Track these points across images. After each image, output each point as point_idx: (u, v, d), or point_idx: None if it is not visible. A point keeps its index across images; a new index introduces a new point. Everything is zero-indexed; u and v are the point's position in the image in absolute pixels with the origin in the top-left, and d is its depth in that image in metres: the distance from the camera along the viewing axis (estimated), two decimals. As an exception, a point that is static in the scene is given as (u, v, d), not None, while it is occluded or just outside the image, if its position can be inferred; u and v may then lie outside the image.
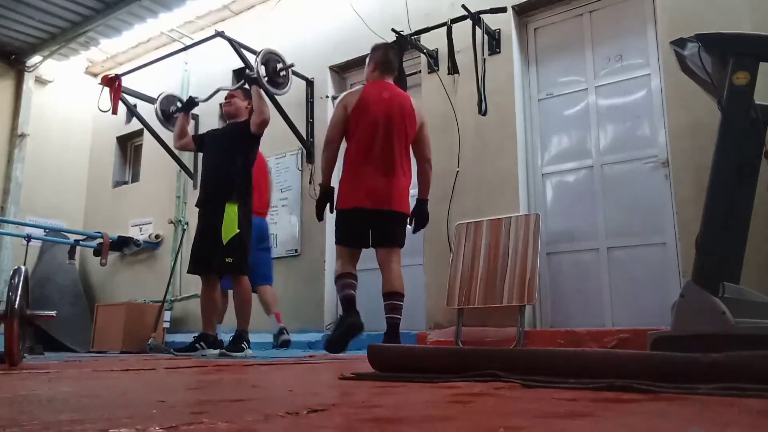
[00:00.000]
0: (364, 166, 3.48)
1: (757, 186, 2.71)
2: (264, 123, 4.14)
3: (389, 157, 3.49)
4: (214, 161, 4.27)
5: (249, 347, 4.05)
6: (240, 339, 4.02)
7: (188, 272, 4.32)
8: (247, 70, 4.46)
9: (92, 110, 7.03)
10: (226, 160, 4.16)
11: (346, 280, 3.57)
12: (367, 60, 3.85)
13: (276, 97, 5.30)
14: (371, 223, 3.53)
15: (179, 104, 4.92)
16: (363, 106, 3.52)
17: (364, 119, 3.50)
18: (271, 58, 4.50)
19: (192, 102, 4.67)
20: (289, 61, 4.66)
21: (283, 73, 4.55)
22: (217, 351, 4.06)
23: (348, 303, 3.54)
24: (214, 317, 4.23)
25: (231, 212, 4.02)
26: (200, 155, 5.23)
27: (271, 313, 4.65)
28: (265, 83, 4.35)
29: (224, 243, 3.98)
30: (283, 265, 5.61)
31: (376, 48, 3.84)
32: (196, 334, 4.33)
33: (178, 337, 5.85)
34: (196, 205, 4.31)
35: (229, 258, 4.00)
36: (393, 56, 3.77)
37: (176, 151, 6.35)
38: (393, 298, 3.55)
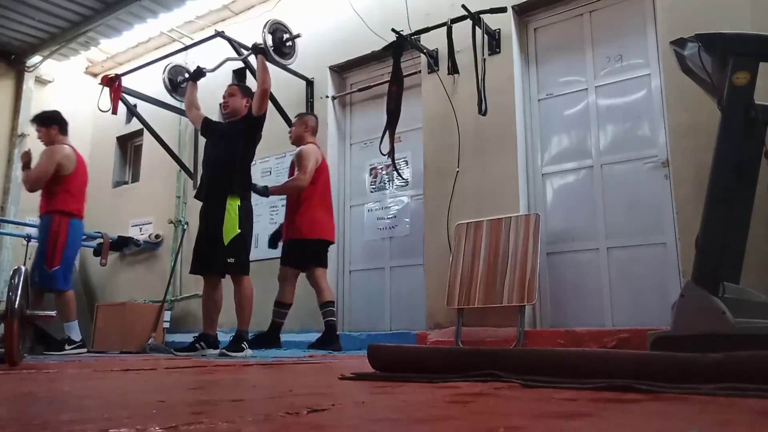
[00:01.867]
0: (324, 209, 4.63)
1: (757, 186, 2.71)
2: (265, 93, 4.21)
3: (330, 202, 4.76)
4: (214, 156, 4.28)
5: (249, 347, 4.05)
6: (240, 339, 4.01)
7: (190, 272, 4.33)
8: (256, 41, 4.48)
9: (92, 110, 7.02)
10: (226, 157, 4.18)
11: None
12: (300, 121, 4.83)
13: (277, 97, 5.30)
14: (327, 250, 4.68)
15: (187, 75, 4.98)
16: (322, 162, 4.67)
17: (322, 172, 4.64)
18: (278, 28, 4.56)
19: (199, 72, 4.71)
20: (294, 32, 4.72)
21: (289, 43, 4.61)
22: (217, 351, 4.06)
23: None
24: (215, 317, 4.24)
25: (232, 210, 4.04)
26: (201, 155, 5.23)
27: (72, 320, 4.64)
28: (272, 53, 4.42)
29: (225, 243, 3.99)
30: (283, 265, 5.60)
31: (303, 115, 4.94)
32: (196, 334, 4.33)
33: (178, 337, 5.85)
34: (195, 197, 4.33)
35: (231, 258, 4.01)
36: (317, 122, 4.95)
37: (176, 152, 6.36)
38: (331, 305, 4.52)
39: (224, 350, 3.97)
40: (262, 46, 4.34)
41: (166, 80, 5.11)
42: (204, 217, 4.21)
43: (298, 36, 4.66)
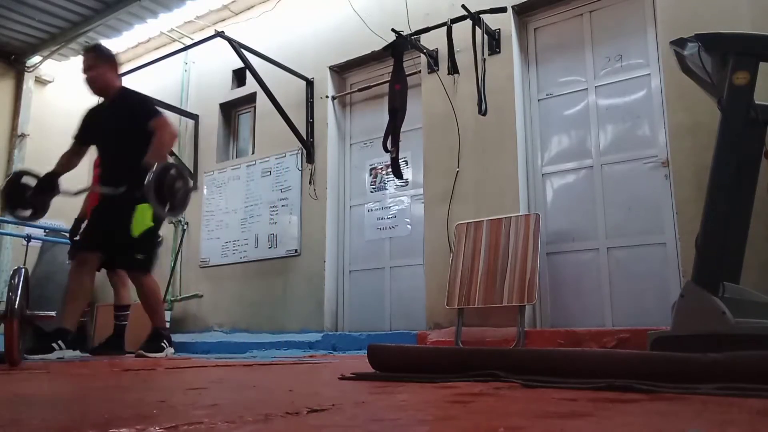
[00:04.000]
0: None
1: (757, 186, 2.71)
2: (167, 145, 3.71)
3: None
4: (112, 152, 3.72)
5: (170, 346, 3.82)
6: (158, 337, 3.73)
7: (82, 248, 3.71)
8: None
9: (92, 110, 7.02)
10: (127, 151, 3.52)
11: None
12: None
13: (276, 97, 5.30)
14: None
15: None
16: None
17: None
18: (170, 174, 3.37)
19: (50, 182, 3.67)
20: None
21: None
22: (76, 352, 3.54)
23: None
24: (81, 308, 3.67)
25: (143, 207, 3.43)
26: (201, 155, 5.10)
27: None
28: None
29: (135, 236, 3.41)
30: (283, 265, 5.61)
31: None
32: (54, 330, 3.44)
33: (177, 337, 5.84)
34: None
35: (140, 254, 3.62)
36: None
37: (176, 152, 6.36)
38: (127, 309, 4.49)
39: (141, 351, 3.61)
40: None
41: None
42: (106, 199, 3.63)
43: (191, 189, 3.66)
